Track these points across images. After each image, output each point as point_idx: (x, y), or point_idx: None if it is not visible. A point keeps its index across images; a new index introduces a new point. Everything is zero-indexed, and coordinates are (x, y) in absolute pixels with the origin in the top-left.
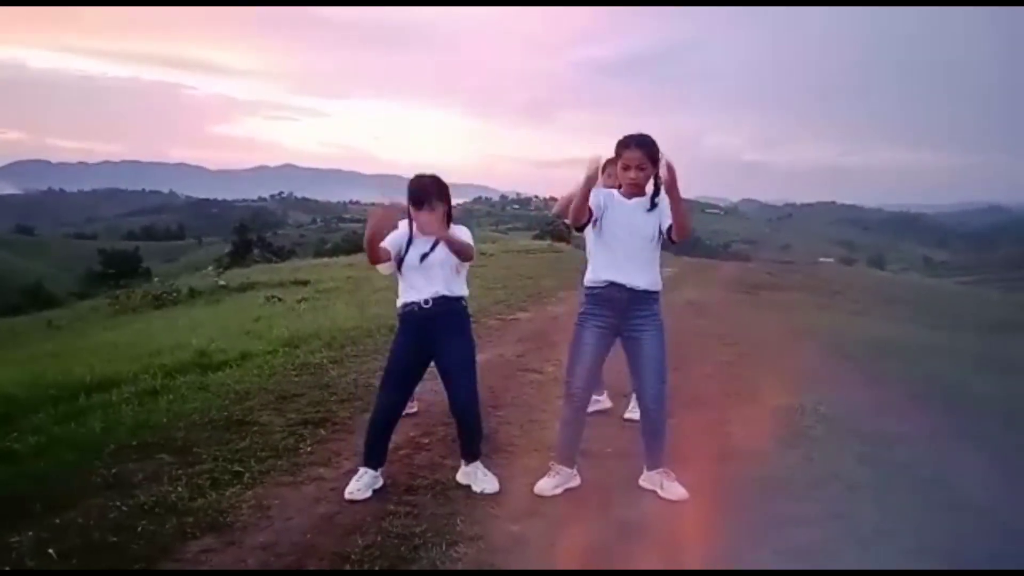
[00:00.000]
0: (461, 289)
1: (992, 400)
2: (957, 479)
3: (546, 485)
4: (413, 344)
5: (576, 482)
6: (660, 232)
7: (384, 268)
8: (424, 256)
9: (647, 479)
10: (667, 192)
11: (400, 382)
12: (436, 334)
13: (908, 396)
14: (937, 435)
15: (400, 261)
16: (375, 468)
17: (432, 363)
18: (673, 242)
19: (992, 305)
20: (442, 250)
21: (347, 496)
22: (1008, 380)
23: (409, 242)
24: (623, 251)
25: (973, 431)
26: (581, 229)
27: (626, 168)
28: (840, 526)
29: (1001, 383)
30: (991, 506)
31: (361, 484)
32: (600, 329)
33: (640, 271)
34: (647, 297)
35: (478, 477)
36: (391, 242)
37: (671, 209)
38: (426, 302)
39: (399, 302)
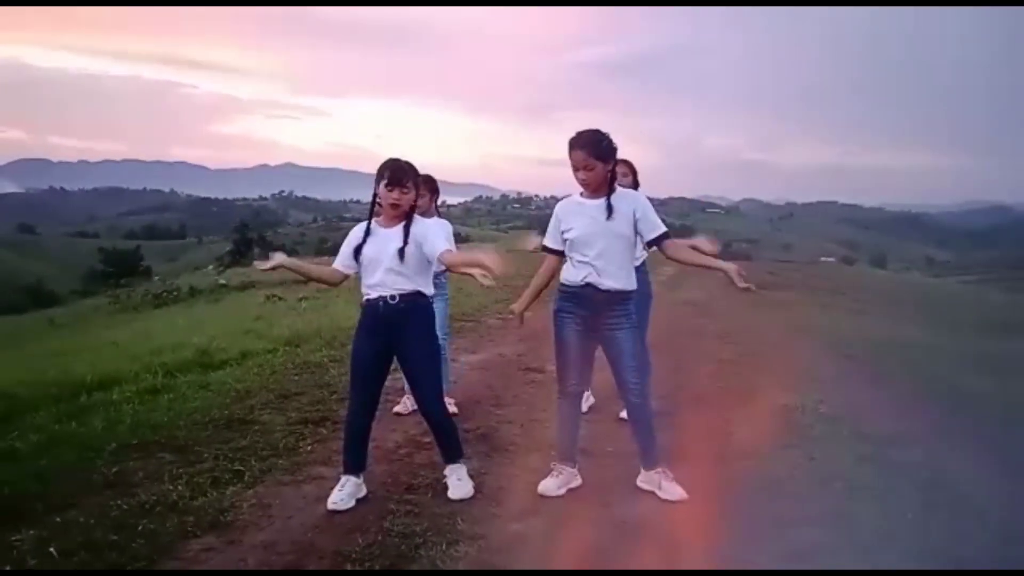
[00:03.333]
0: (428, 286)
1: (993, 400)
2: (958, 479)
3: (550, 485)
4: (375, 342)
5: (578, 481)
6: (636, 232)
7: (352, 273)
8: (401, 251)
9: (645, 479)
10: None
11: (367, 382)
12: (399, 332)
13: (909, 396)
14: (938, 435)
15: (356, 252)
16: (356, 475)
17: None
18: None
19: (994, 305)
20: (414, 243)
21: (329, 506)
22: (1009, 380)
23: (367, 235)
24: (594, 252)
25: (974, 431)
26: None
27: (575, 170)
28: (841, 526)
29: (1002, 383)
30: (991, 506)
31: (344, 494)
32: (577, 327)
33: (613, 273)
34: (621, 296)
35: (451, 483)
36: (344, 255)
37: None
38: (392, 298)
39: (364, 296)
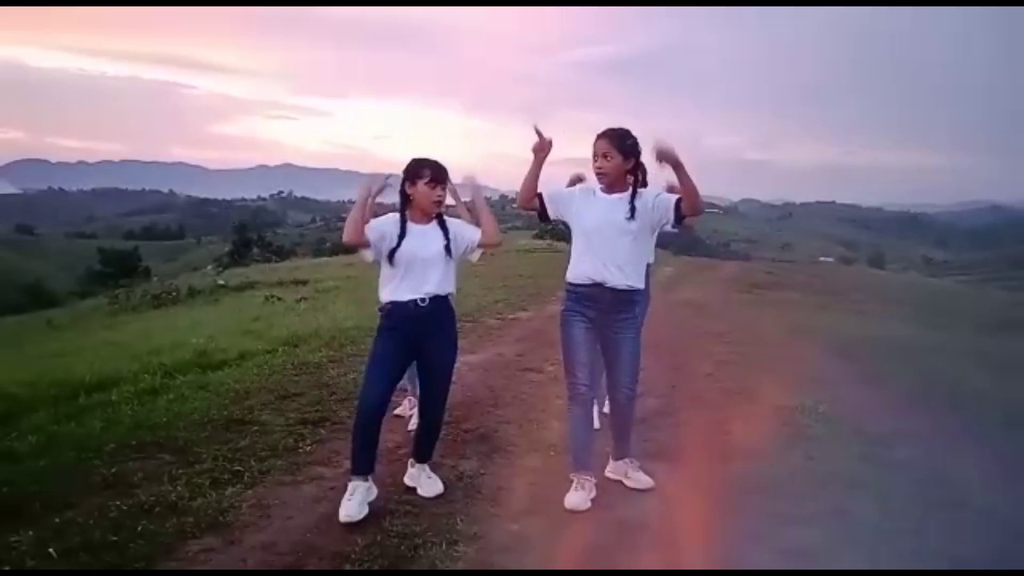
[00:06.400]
0: (452, 286)
1: (992, 399)
2: (957, 478)
3: (577, 500)
4: (402, 343)
5: (594, 492)
6: (651, 227)
7: (367, 255)
8: (447, 248)
9: (613, 469)
10: (673, 169)
11: (387, 377)
12: (425, 333)
13: (908, 395)
14: (937, 434)
15: (392, 252)
16: (366, 476)
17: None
18: (682, 222)
19: (992, 304)
20: (454, 239)
21: (343, 520)
22: (1008, 379)
23: (403, 234)
24: (604, 250)
25: (973, 430)
26: (544, 219)
27: (594, 159)
28: (840, 525)
29: (1001, 382)
30: (991, 506)
31: (355, 503)
32: (585, 325)
33: (622, 270)
34: (629, 296)
35: (422, 480)
36: (376, 227)
37: (680, 183)
38: (422, 301)
39: (387, 297)
